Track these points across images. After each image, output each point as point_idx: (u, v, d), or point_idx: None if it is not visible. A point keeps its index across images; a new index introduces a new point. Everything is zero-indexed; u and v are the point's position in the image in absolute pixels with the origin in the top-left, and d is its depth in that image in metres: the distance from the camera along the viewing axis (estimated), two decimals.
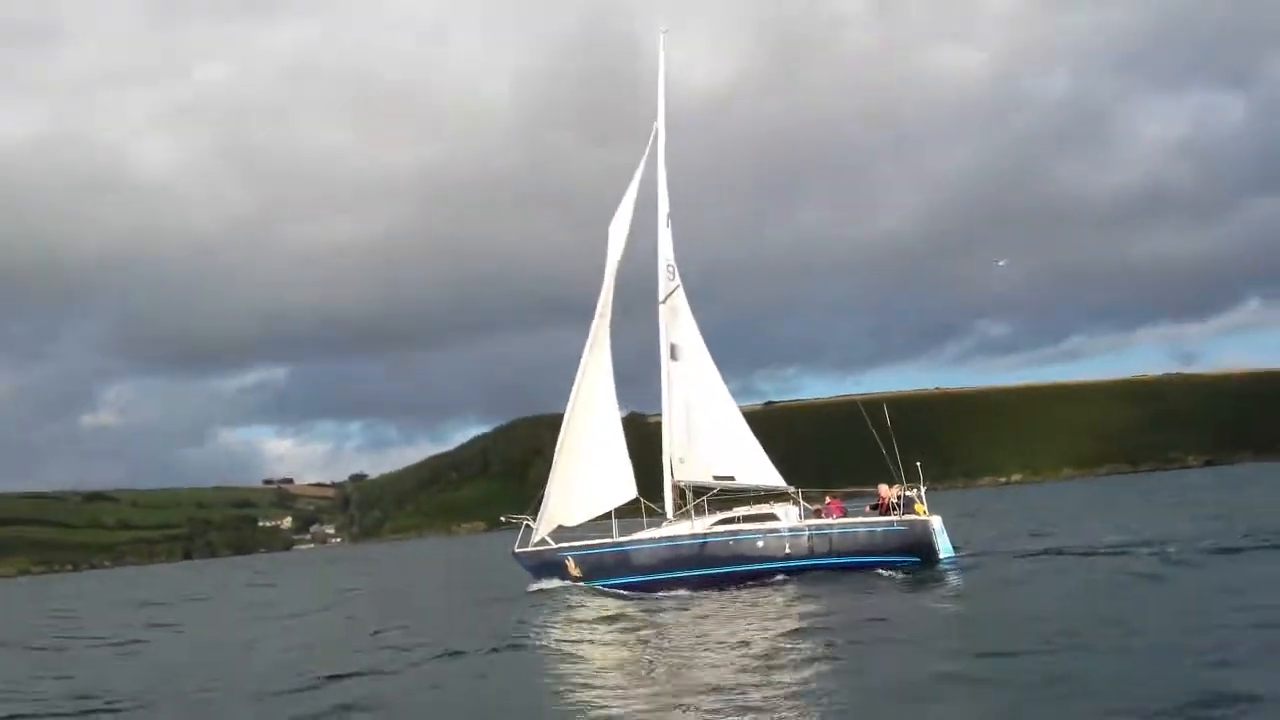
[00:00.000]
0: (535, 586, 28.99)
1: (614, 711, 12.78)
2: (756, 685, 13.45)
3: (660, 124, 31.78)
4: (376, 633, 22.81)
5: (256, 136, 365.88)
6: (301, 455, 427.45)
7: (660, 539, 28.82)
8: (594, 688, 14.40)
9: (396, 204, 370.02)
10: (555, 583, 28.95)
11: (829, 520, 28.60)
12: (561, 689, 14.60)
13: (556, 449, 30.28)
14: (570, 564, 29.14)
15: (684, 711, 12.40)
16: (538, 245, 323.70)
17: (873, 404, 30.71)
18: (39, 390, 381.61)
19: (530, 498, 30.42)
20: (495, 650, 18.41)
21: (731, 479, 30.33)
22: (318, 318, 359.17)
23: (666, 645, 18.18)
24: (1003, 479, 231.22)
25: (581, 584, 28.78)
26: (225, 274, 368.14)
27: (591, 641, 19.85)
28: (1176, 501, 54.24)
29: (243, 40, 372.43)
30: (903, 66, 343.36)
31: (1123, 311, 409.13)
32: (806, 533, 28.02)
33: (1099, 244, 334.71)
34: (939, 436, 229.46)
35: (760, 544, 28.10)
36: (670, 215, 31.59)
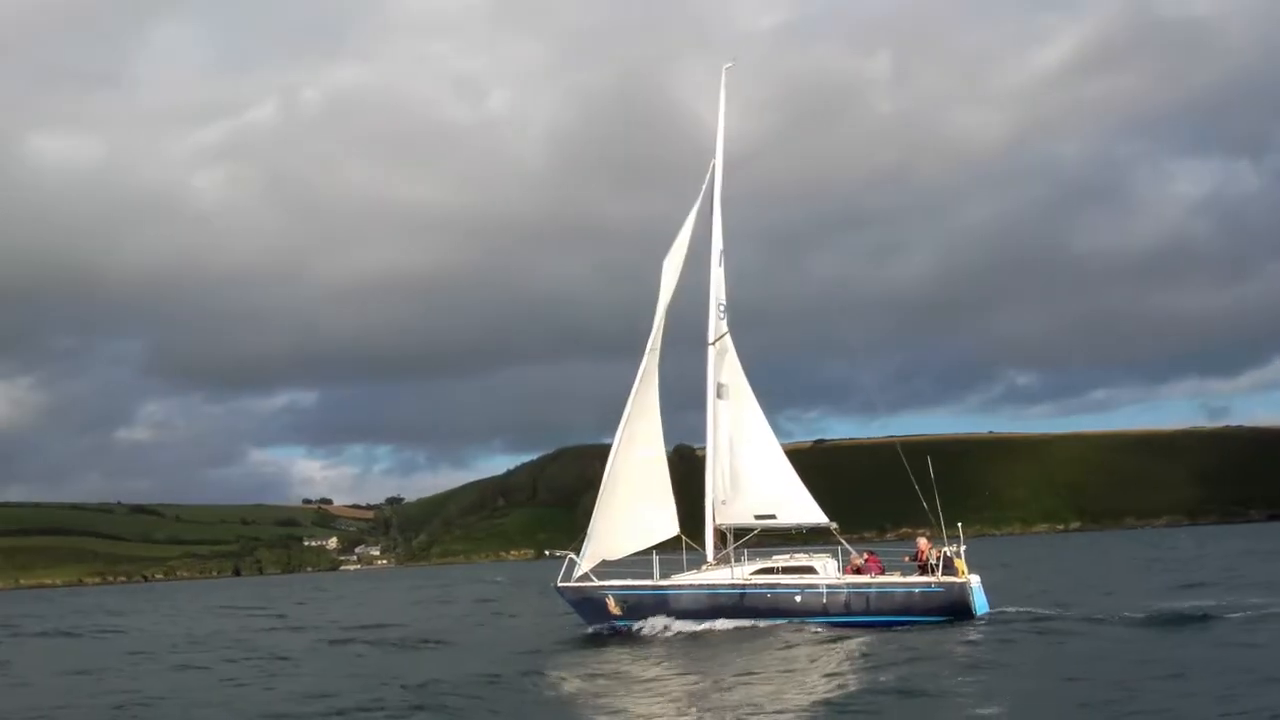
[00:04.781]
0: (592, 629, 29.37)
1: None
2: None
3: (718, 161, 31.77)
4: None
5: (298, 174, 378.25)
6: (331, 477, 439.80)
7: (701, 585, 29.02)
8: None
9: (427, 242, 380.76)
10: (608, 626, 29.24)
11: (867, 579, 28.56)
12: None
13: (603, 483, 30.48)
14: (611, 602, 29.42)
15: None
16: (560, 283, 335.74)
17: (915, 447, 30.44)
18: (77, 404, 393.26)
19: (580, 528, 30.65)
20: None
21: (773, 517, 30.42)
22: (346, 346, 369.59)
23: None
24: (1060, 526, 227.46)
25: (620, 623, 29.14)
26: (261, 301, 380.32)
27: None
28: None
29: (290, 85, 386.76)
30: (921, 130, 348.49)
31: (1147, 367, 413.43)
32: (845, 591, 28.15)
33: (1121, 300, 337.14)
34: (993, 482, 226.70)
35: (798, 599, 28.29)
36: (724, 253, 31.71)
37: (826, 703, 16.41)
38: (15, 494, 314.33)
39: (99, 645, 36.69)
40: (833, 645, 24.06)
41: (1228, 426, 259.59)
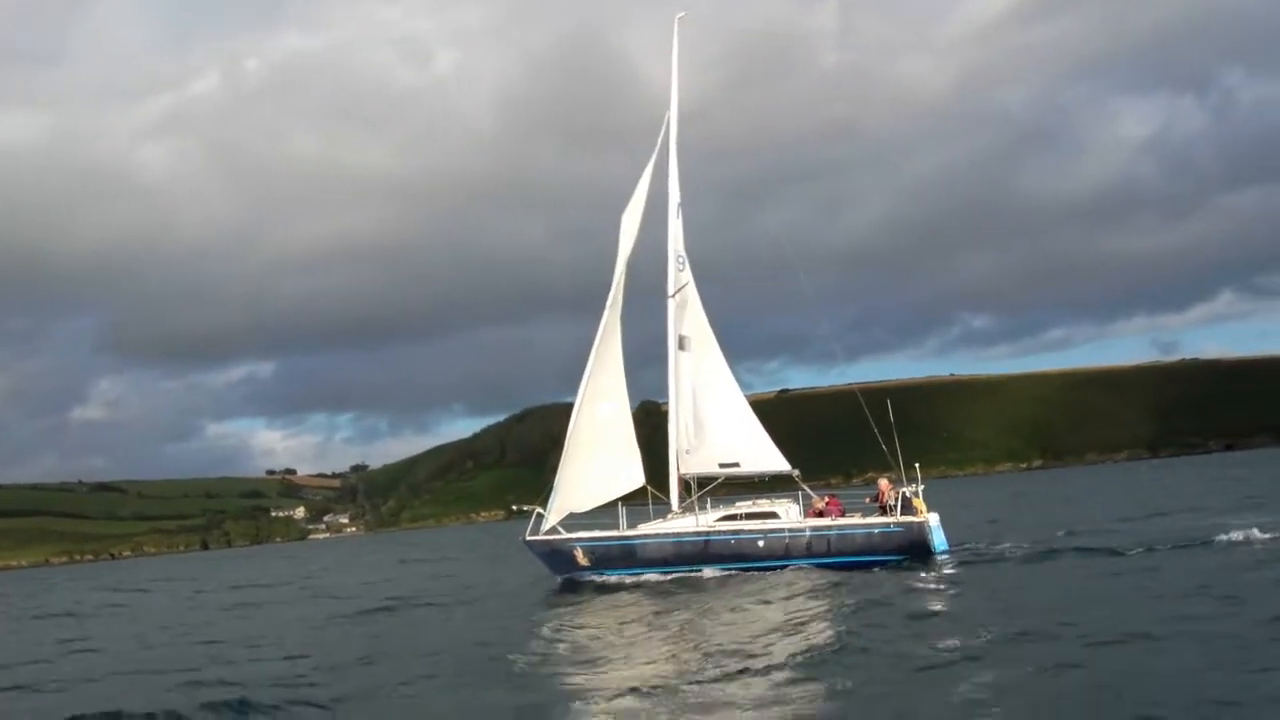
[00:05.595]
0: (561, 580, 29.85)
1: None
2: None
3: (673, 112, 31.91)
4: None
5: (245, 144, 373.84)
6: (293, 447, 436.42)
7: (666, 535, 29.58)
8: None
9: (379, 207, 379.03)
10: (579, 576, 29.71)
11: (828, 521, 29.22)
12: None
13: (567, 437, 30.78)
14: (579, 554, 29.98)
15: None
16: (515, 243, 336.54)
17: (876, 393, 30.86)
18: (31, 385, 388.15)
19: (549, 486, 30.97)
20: None
21: (736, 465, 30.87)
22: (301, 315, 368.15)
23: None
24: (1023, 465, 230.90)
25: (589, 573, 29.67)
26: (213, 273, 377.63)
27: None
28: None
29: (233, 55, 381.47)
30: (869, 81, 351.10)
31: (1100, 305, 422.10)
32: (807, 533, 28.77)
33: (1072, 241, 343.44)
34: (953, 423, 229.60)
35: (761, 544, 28.90)
36: (681, 205, 31.88)
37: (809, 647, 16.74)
38: None
39: (137, 619, 35.19)
40: (794, 586, 24.54)
41: (1182, 360, 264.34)
